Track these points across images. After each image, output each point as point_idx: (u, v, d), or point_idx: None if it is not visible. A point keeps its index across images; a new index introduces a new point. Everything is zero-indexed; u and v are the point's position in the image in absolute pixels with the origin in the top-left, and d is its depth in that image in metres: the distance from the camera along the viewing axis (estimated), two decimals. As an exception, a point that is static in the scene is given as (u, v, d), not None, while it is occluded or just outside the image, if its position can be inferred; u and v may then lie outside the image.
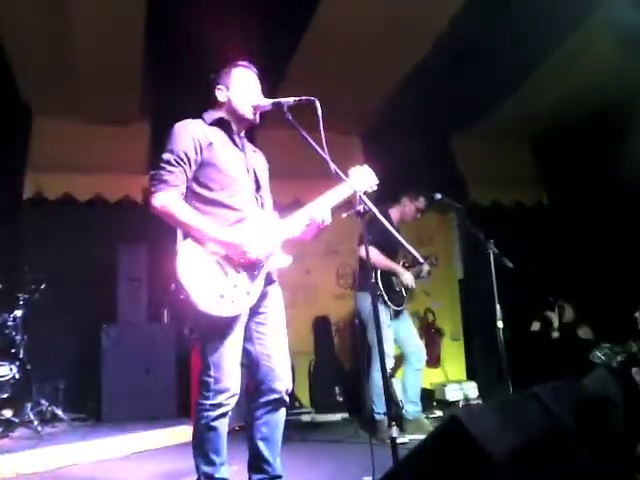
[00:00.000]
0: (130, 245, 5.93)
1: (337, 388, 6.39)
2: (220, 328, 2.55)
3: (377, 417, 4.56)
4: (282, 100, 2.69)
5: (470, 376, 6.95)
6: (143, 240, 5.88)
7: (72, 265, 5.92)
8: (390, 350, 4.64)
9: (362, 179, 2.84)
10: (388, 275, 4.74)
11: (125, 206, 6.06)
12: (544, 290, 6.44)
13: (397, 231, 4.78)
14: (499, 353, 3.88)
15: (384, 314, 4.63)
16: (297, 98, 2.66)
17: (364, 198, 2.60)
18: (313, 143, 2.59)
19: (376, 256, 4.54)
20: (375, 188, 2.89)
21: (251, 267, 2.58)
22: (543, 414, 1.71)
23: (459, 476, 1.38)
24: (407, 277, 4.86)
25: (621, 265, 5.74)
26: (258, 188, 2.80)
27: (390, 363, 4.63)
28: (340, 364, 6.62)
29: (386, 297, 4.71)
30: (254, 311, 2.71)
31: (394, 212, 5.00)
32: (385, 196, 5.52)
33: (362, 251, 4.33)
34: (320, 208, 2.74)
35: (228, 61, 2.88)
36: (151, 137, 6.08)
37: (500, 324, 3.84)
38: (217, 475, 2.57)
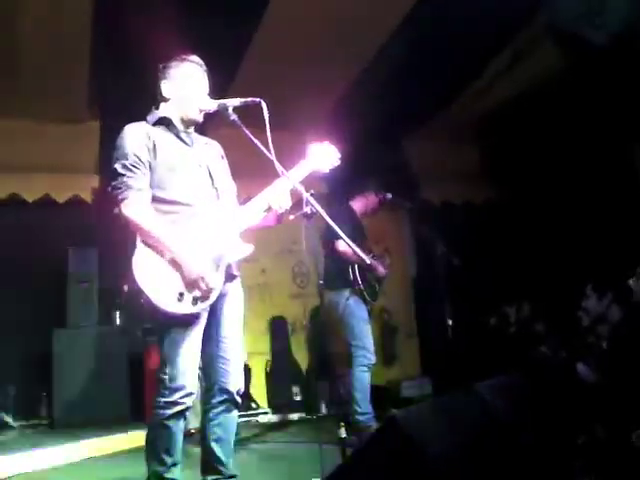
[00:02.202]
0: (80, 246, 5.83)
1: (294, 388, 6.40)
2: (179, 326, 2.53)
3: (360, 418, 4.42)
4: (227, 102, 2.68)
5: (425, 372, 7.02)
6: (93, 241, 5.79)
7: (20, 267, 5.80)
8: (371, 346, 4.60)
9: (322, 157, 2.86)
10: (363, 270, 4.65)
11: (75, 206, 5.94)
12: (501, 286, 6.54)
13: (360, 224, 4.85)
14: (451, 350, 3.93)
15: (364, 310, 4.60)
16: (243, 99, 2.65)
17: (311, 200, 2.61)
18: (259, 143, 2.59)
19: (350, 249, 4.45)
20: (337, 164, 2.88)
21: (213, 260, 2.56)
22: (483, 412, 1.74)
23: (397, 476, 1.40)
24: (381, 270, 4.81)
25: (571, 258, 5.87)
26: (213, 181, 2.78)
27: (373, 359, 4.60)
28: (297, 364, 6.63)
29: (366, 293, 4.62)
30: (213, 310, 2.69)
31: (357, 204, 4.93)
32: (338, 195, 5.59)
33: (339, 246, 4.35)
34: (276, 192, 2.73)
35: (178, 55, 2.83)
36: (101, 136, 5.97)
37: (450, 322, 3.89)
38: (167, 475, 2.54)
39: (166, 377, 2.52)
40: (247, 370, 6.45)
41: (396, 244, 7.26)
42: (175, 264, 2.50)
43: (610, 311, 4.01)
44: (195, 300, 2.48)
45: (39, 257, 5.84)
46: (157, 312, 2.43)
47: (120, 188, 2.55)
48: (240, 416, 5.87)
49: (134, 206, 2.53)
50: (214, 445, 2.71)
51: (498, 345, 5.94)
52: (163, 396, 2.52)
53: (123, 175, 2.56)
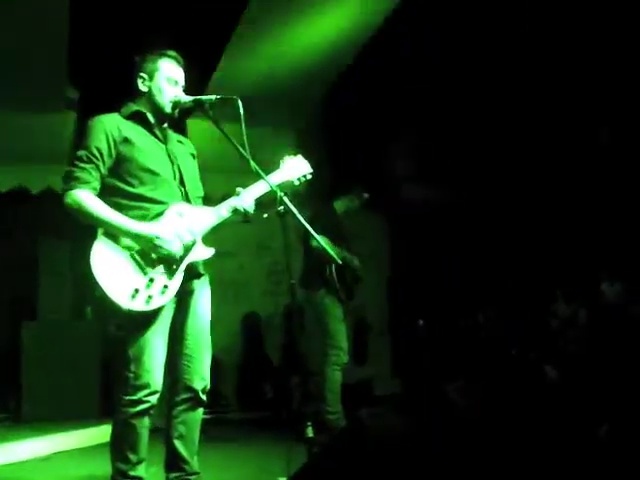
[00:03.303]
0: (53, 239, 5.76)
1: (266, 385, 6.40)
2: (140, 322, 2.52)
3: (331, 417, 4.43)
4: (203, 97, 2.67)
5: (396, 371, 7.06)
6: (66, 234, 5.71)
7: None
8: (346, 346, 4.61)
9: (295, 169, 2.87)
10: (340, 269, 4.61)
11: (48, 198, 5.85)
12: (473, 288, 6.60)
13: (341, 224, 4.85)
14: (423, 350, 3.96)
15: (339, 309, 4.61)
16: (219, 96, 2.64)
17: (285, 199, 2.61)
18: (235, 142, 2.59)
19: (331, 247, 4.45)
20: (309, 177, 2.90)
21: (169, 261, 2.55)
22: (449, 412, 1.77)
23: (361, 475, 1.41)
24: (358, 268, 4.80)
25: (540, 263, 5.94)
26: (182, 180, 2.76)
27: (345, 359, 4.61)
28: (269, 361, 6.62)
29: (341, 292, 4.63)
30: (178, 307, 2.68)
31: (340, 205, 4.93)
32: (320, 194, 5.60)
33: (313, 242, 4.32)
34: (244, 199, 2.72)
35: (156, 47, 2.81)
36: (76, 126, 5.90)
37: (421, 322, 3.92)
38: (131, 473, 2.52)
39: (131, 375, 2.50)
40: (218, 366, 6.43)
41: (371, 244, 7.30)
42: (130, 259, 2.49)
43: (578, 315, 4.09)
44: (149, 298, 2.46)
45: (11, 248, 5.76)
46: (118, 309, 2.42)
47: (68, 177, 2.54)
48: (209, 413, 5.94)
49: (75, 196, 2.50)
50: (177, 443, 2.70)
51: (468, 346, 6.00)
52: (127, 394, 2.50)
53: (76, 165, 2.54)
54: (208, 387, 2.78)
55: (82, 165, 2.54)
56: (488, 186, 6.58)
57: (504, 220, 6.51)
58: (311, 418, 2.46)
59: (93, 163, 2.55)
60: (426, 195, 7.12)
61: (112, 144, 2.59)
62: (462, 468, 1.66)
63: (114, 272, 2.44)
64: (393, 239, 7.36)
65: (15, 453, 4.24)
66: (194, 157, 2.94)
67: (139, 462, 2.55)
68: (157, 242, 2.49)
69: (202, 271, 2.77)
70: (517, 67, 5.42)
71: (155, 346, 2.55)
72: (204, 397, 2.76)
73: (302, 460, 2.35)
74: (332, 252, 3.00)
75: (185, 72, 2.83)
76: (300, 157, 2.89)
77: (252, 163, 2.58)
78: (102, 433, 4.73)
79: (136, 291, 2.44)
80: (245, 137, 2.54)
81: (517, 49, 5.27)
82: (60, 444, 4.53)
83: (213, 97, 2.65)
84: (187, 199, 2.73)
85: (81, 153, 2.56)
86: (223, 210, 2.71)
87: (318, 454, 1.62)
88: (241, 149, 2.58)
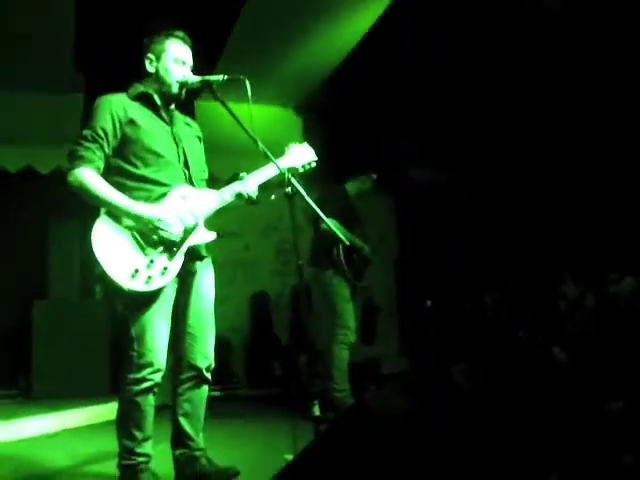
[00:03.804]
0: (62, 219, 5.79)
1: (275, 363, 6.45)
2: (142, 302, 2.54)
3: (337, 395, 4.31)
4: (211, 78, 2.65)
5: (404, 351, 7.10)
6: (76, 213, 5.72)
7: (2, 238, 5.76)
8: (353, 325, 4.64)
9: (300, 156, 2.86)
10: (349, 251, 4.61)
11: (57, 178, 5.82)
12: (481, 270, 6.59)
13: (352, 207, 4.85)
14: (430, 331, 3.97)
15: (347, 290, 4.63)
16: (226, 76, 2.63)
17: (293, 180, 2.60)
18: (242, 123, 2.58)
19: (338, 228, 4.45)
20: (314, 165, 2.89)
21: (169, 243, 2.56)
22: (454, 395, 1.78)
23: (366, 456, 1.43)
24: (368, 251, 4.81)
25: (549, 246, 5.92)
26: (186, 162, 2.76)
27: (352, 338, 4.65)
28: (278, 340, 6.67)
29: (349, 273, 4.64)
30: (182, 287, 2.70)
31: (352, 187, 4.91)
32: (331, 175, 5.58)
33: (322, 225, 4.32)
34: (247, 184, 2.73)
35: (163, 28, 2.80)
36: (85, 107, 5.89)
37: (429, 303, 3.92)
38: (138, 450, 2.56)
39: (134, 354, 2.53)
40: (227, 344, 6.50)
41: (380, 225, 7.30)
42: (131, 239, 2.51)
43: (586, 297, 4.08)
44: (149, 278, 2.47)
45: (21, 228, 5.79)
46: (119, 288, 2.43)
47: (72, 155, 2.55)
48: (219, 389, 6.03)
49: (78, 175, 2.51)
50: (182, 420, 2.75)
51: (475, 328, 6.01)
52: (131, 372, 2.54)
53: (81, 144, 2.55)
54: (212, 366, 2.81)
55: (87, 144, 2.55)
56: (496, 167, 6.54)
57: (512, 201, 6.48)
58: (318, 397, 2.47)
59: (98, 142, 2.56)
60: (433, 177, 7.10)
61: (117, 124, 2.60)
62: (466, 450, 1.68)
63: (115, 252, 2.46)
64: (401, 221, 7.35)
65: (25, 429, 4.30)
66: (200, 140, 2.94)
67: (145, 439, 2.59)
68: (158, 224, 2.50)
69: (205, 253, 2.79)
70: (519, 47, 5.35)
71: (157, 325, 2.57)
72: (208, 375, 2.80)
73: (309, 438, 2.37)
74: (341, 235, 2.99)
75: (193, 52, 2.82)
76: (306, 144, 2.87)
77: (260, 144, 2.58)
78: (111, 410, 4.71)
79: (136, 271, 2.45)
80: (252, 118, 2.54)
81: (518, 32, 5.21)
82: (69, 421, 4.59)
83: (220, 77, 2.63)
84: (191, 182, 2.74)
85: (86, 132, 2.57)
86: (226, 194, 2.72)
87: (323, 435, 1.64)
88: (248, 130, 2.57)
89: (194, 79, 2.69)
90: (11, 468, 3.37)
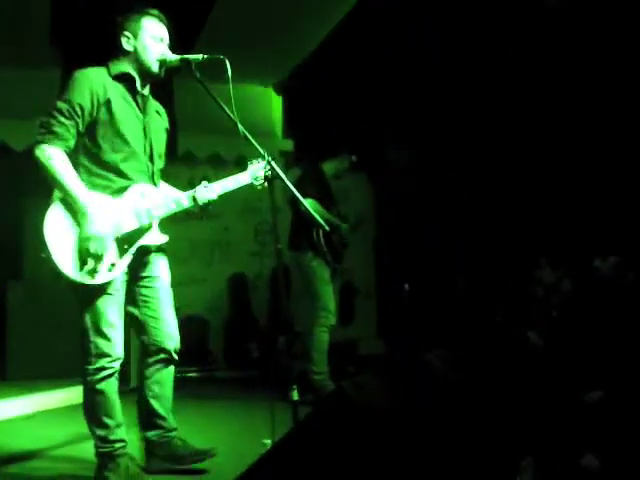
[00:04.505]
0: (36, 197, 5.66)
1: (252, 345, 6.45)
2: (94, 293, 2.51)
3: (316, 377, 4.47)
4: (190, 57, 2.61)
5: (381, 332, 7.15)
6: (51, 192, 5.64)
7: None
8: (333, 307, 4.63)
9: (257, 175, 2.77)
10: (328, 233, 4.52)
11: (31, 156, 5.74)
12: (458, 254, 6.61)
13: (329, 186, 4.83)
14: (407, 314, 3.98)
15: (326, 272, 4.62)
16: (206, 55, 2.58)
17: (272, 163, 2.58)
18: (222, 103, 2.55)
19: (319, 209, 4.41)
20: (265, 185, 2.77)
21: (123, 239, 2.54)
22: (433, 380, 1.78)
23: (345, 444, 1.43)
24: (345, 231, 4.79)
25: (525, 231, 5.95)
26: (152, 156, 2.74)
27: (333, 320, 4.64)
28: (255, 321, 6.66)
29: (329, 256, 4.62)
30: (136, 276, 2.70)
31: (329, 167, 4.88)
32: (306, 153, 5.54)
33: (301, 207, 4.25)
34: (207, 193, 2.72)
35: (138, 6, 2.73)
36: (61, 83, 5.77)
37: (406, 286, 3.94)
38: (112, 437, 2.56)
39: (90, 345, 2.52)
40: (205, 325, 6.48)
41: (359, 206, 7.29)
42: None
43: (562, 282, 4.12)
44: (95, 272, 2.45)
45: (-6, 207, 5.68)
46: (60, 274, 2.42)
47: (46, 128, 2.47)
48: (196, 371, 6.02)
49: (48, 150, 2.45)
50: (153, 402, 2.76)
51: (451, 312, 6.05)
52: (89, 364, 2.53)
53: (55, 117, 2.47)
54: (179, 347, 2.81)
55: (62, 119, 2.48)
56: (474, 151, 6.55)
57: (490, 186, 6.49)
58: (296, 380, 2.47)
59: (74, 119, 2.50)
60: (411, 158, 7.09)
61: (95, 104, 2.54)
62: (447, 436, 1.69)
63: (64, 241, 2.43)
64: (379, 202, 7.35)
65: (1, 412, 4.26)
66: (167, 132, 2.92)
67: (118, 425, 2.59)
68: (91, 238, 2.43)
69: (154, 249, 2.75)
70: (510, 42, 5.34)
71: (110, 315, 2.55)
72: (176, 357, 2.81)
73: (287, 421, 2.38)
74: (319, 218, 2.97)
75: (170, 31, 2.76)
76: (263, 164, 2.79)
77: (240, 126, 2.54)
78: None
79: (84, 263, 2.43)
80: (233, 99, 2.50)
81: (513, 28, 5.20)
82: (45, 403, 4.55)
83: (200, 56, 2.59)
84: (152, 178, 2.73)
85: (62, 106, 2.49)
86: (184, 199, 2.71)
87: (302, 423, 1.63)
88: (228, 111, 2.54)
89: (173, 57, 2.65)
90: (-14, 450, 3.34)
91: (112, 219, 2.52)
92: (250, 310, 6.73)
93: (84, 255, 2.44)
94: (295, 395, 2.35)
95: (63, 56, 5.66)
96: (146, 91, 2.76)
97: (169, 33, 2.76)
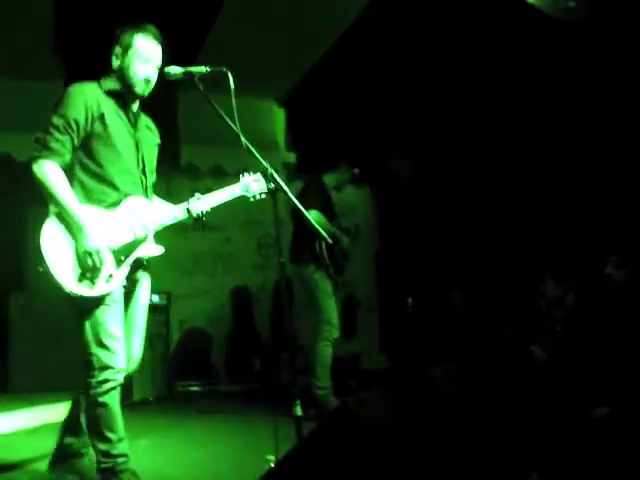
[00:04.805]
0: (39, 208, 5.66)
1: (255, 358, 6.42)
2: (93, 305, 2.50)
3: (319, 392, 4.43)
4: (194, 69, 2.61)
5: (384, 346, 7.10)
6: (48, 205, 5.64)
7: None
8: (336, 321, 4.61)
9: (251, 187, 2.82)
10: (330, 245, 4.48)
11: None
12: (462, 267, 6.57)
13: (330, 199, 4.83)
14: (411, 326, 3.95)
15: (329, 285, 4.60)
16: (209, 68, 2.59)
17: (275, 176, 2.58)
18: (225, 116, 2.54)
19: (322, 221, 4.39)
20: (264, 196, 2.82)
21: (119, 251, 2.55)
22: (436, 396, 1.76)
23: (349, 461, 1.40)
24: (347, 243, 4.79)
25: (528, 244, 5.91)
26: (144, 170, 2.76)
27: (336, 334, 4.61)
28: (258, 334, 6.63)
29: (331, 268, 4.61)
30: (125, 295, 2.68)
31: (330, 179, 4.88)
32: (308, 166, 5.53)
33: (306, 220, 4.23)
34: (200, 205, 2.73)
35: (134, 21, 2.73)
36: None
37: (410, 300, 3.91)
38: (114, 451, 2.54)
39: (93, 358, 2.49)
40: (208, 338, 6.46)
41: (361, 219, 7.29)
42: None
43: (567, 296, 4.09)
44: (93, 284, 2.45)
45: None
46: (60, 287, 2.41)
47: (42, 144, 2.49)
48: (198, 385, 5.99)
49: (45, 166, 2.46)
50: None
51: (454, 326, 6.00)
52: (93, 377, 2.50)
53: (51, 134, 2.49)
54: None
55: (57, 135, 2.50)
56: (478, 163, 6.53)
57: (494, 199, 6.46)
58: (299, 395, 2.44)
59: (69, 135, 2.52)
60: (413, 170, 7.08)
61: (89, 118, 2.56)
62: (451, 451, 1.66)
63: (62, 254, 2.43)
64: (380, 214, 7.33)
65: (3, 425, 4.25)
66: (158, 147, 2.93)
67: (120, 440, 2.56)
68: (88, 251, 2.44)
69: (146, 263, 2.76)
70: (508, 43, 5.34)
71: (112, 328, 2.54)
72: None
73: (290, 437, 2.35)
74: (322, 230, 2.97)
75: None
76: (258, 175, 2.80)
77: (242, 138, 2.53)
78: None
79: (82, 275, 2.43)
80: (235, 111, 2.50)
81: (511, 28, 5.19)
82: (48, 416, 4.52)
83: (203, 69, 2.59)
84: (145, 191, 2.74)
85: (57, 121, 2.51)
86: (178, 211, 2.73)
87: (306, 440, 1.61)
88: (231, 123, 2.54)
89: (176, 70, 2.64)
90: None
91: (107, 232, 2.53)
92: (253, 323, 6.70)
93: (82, 268, 2.44)
94: (299, 410, 2.32)
95: (66, 67, 5.68)
96: (135, 107, 2.77)
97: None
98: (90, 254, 2.43)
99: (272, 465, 2.06)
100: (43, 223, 2.50)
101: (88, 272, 2.44)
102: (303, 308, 4.78)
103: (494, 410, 2.08)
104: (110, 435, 2.53)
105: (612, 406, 2.70)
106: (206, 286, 6.71)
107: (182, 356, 6.20)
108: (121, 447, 2.56)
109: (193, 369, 6.11)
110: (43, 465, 3.20)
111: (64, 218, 2.47)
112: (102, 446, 2.53)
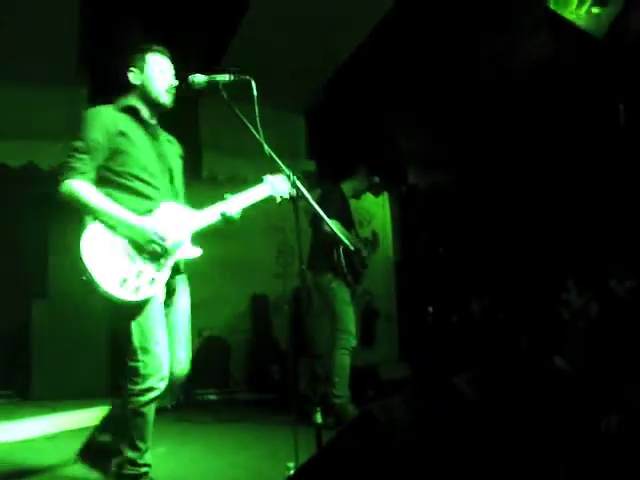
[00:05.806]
0: (62, 216, 5.72)
1: (274, 367, 6.41)
2: (138, 310, 2.53)
3: (337, 401, 4.44)
4: (218, 77, 2.65)
5: (403, 357, 7.06)
6: (77, 212, 5.70)
7: (2, 236, 5.70)
8: (354, 329, 4.60)
9: (276, 188, 2.87)
10: (348, 253, 4.58)
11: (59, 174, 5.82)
12: (482, 276, 6.53)
13: (349, 207, 4.84)
14: (430, 336, 3.93)
15: (346, 293, 4.60)
16: (233, 76, 2.62)
17: (297, 183, 2.59)
18: (248, 124, 2.57)
19: (341, 229, 4.41)
20: (287, 197, 2.86)
21: (159, 256, 2.58)
22: (459, 405, 1.75)
23: (371, 468, 1.40)
24: (366, 252, 4.79)
25: (551, 253, 5.86)
26: (172, 178, 2.82)
27: (354, 342, 4.61)
28: (277, 343, 6.63)
29: (349, 276, 4.62)
30: (166, 301, 2.71)
31: (348, 187, 4.91)
32: (327, 174, 5.52)
33: (325, 226, 4.25)
34: (233, 207, 2.78)
35: (142, 44, 2.85)
36: (88, 100, 5.85)
37: (430, 309, 3.89)
38: (141, 461, 2.56)
39: (139, 364, 2.51)
40: (226, 347, 6.46)
41: (380, 228, 7.28)
42: (121, 246, 2.51)
43: (590, 306, 4.05)
44: (137, 288, 2.49)
45: (21, 227, 5.75)
46: (104, 294, 2.42)
47: (65, 167, 2.57)
48: (217, 393, 6.00)
49: (73, 185, 2.54)
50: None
51: (474, 336, 5.95)
52: (137, 384, 2.51)
53: (73, 156, 2.58)
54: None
55: (79, 156, 2.57)
56: (498, 170, 6.50)
57: (515, 206, 6.42)
58: (320, 403, 2.45)
59: (90, 154, 2.59)
60: (434, 179, 7.06)
61: (108, 135, 2.63)
62: (473, 460, 1.65)
63: (103, 259, 2.46)
64: (400, 223, 7.32)
65: (23, 431, 4.27)
66: (181, 158, 2.98)
67: (147, 450, 2.59)
68: (153, 237, 2.53)
69: (182, 269, 2.81)
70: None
71: (157, 333, 2.57)
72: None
73: (310, 445, 2.35)
74: (344, 237, 2.97)
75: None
76: (282, 176, 2.82)
77: (266, 147, 2.56)
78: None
79: (124, 280, 2.46)
80: (258, 119, 2.53)
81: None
82: (68, 422, 4.55)
83: (227, 77, 2.63)
84: (176, 197, 2.80)
85: (78, 144, 2.59)
86: (211, 214, 2.78)
87: (327, 447, 1.60)
88: (254, 130, 2.56)
89: (200, 79, 2.68)
90: (8, 470, 3.33)
91: (159, 227, 2.58)
92: (271, 332, 6.70)
93: (146, 256, 2.52)
94: (318, 418, 2.32)
95: (91, 76, 5.76)
96: (154, 121, 2.84)
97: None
98: (152, 241, 2.52)
99: (292, 472, 2.06)
100: (67, 231, 2.55)
101: (156, 256, 2.53)
102: (321, 316, 4.78)
103: (517, 419, 2.05)
104: (141, 445, 2.56)
105: (624, 416, 2.66)
106: (225, 294, 6.72)
107: (200, 364, 6.20)
108: (147, 457, 2.59)
109: (211, 377, 6.12)
110: (63, 472, 3.24)
111: (107, 223, 2.52)
112: (131, 454, 2.55)
